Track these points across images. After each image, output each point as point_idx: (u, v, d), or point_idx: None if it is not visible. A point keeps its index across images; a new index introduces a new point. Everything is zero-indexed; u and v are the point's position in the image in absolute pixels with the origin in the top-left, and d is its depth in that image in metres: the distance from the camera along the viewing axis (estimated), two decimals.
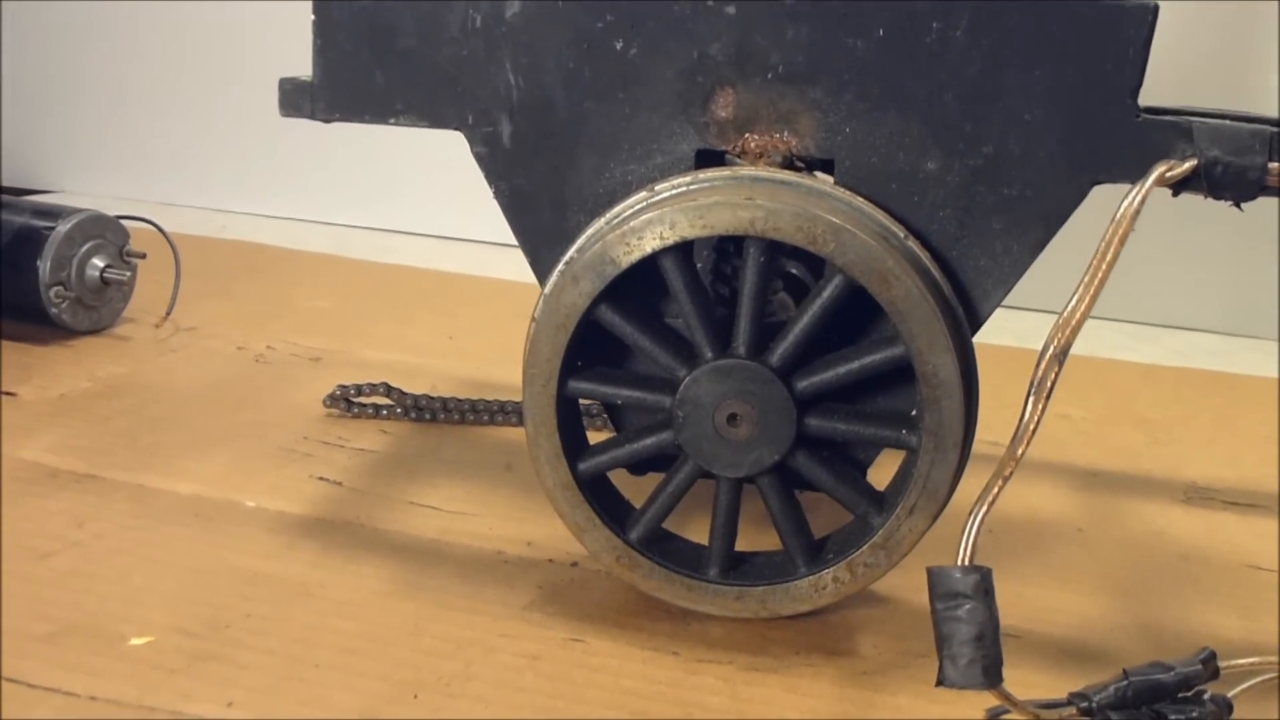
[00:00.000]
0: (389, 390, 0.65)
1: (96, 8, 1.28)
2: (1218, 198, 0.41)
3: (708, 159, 0.45)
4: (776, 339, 0.43)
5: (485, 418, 0.65)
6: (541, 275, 0.47)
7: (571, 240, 0.45)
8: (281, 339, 0.78)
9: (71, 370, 0.69)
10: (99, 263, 0.74)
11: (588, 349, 0.45)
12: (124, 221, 0.78)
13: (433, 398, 0.65)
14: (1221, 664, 0.41)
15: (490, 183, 0.47)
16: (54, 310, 0.72)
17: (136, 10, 1.27)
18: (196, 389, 0.68)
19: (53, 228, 0.72)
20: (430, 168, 1.19)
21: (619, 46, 0.44)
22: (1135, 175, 0.41)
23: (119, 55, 1.30)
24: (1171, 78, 0.99)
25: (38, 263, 0.71)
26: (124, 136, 1.32)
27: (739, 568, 0.46)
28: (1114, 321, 1.07)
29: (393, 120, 0.47)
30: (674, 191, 0.43)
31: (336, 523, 0.52)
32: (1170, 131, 0.41)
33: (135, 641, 0.42)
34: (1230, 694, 0.40)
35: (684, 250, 0.42)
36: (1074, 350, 1.03)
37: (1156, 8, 0.40)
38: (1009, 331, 0.75)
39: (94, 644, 0.41)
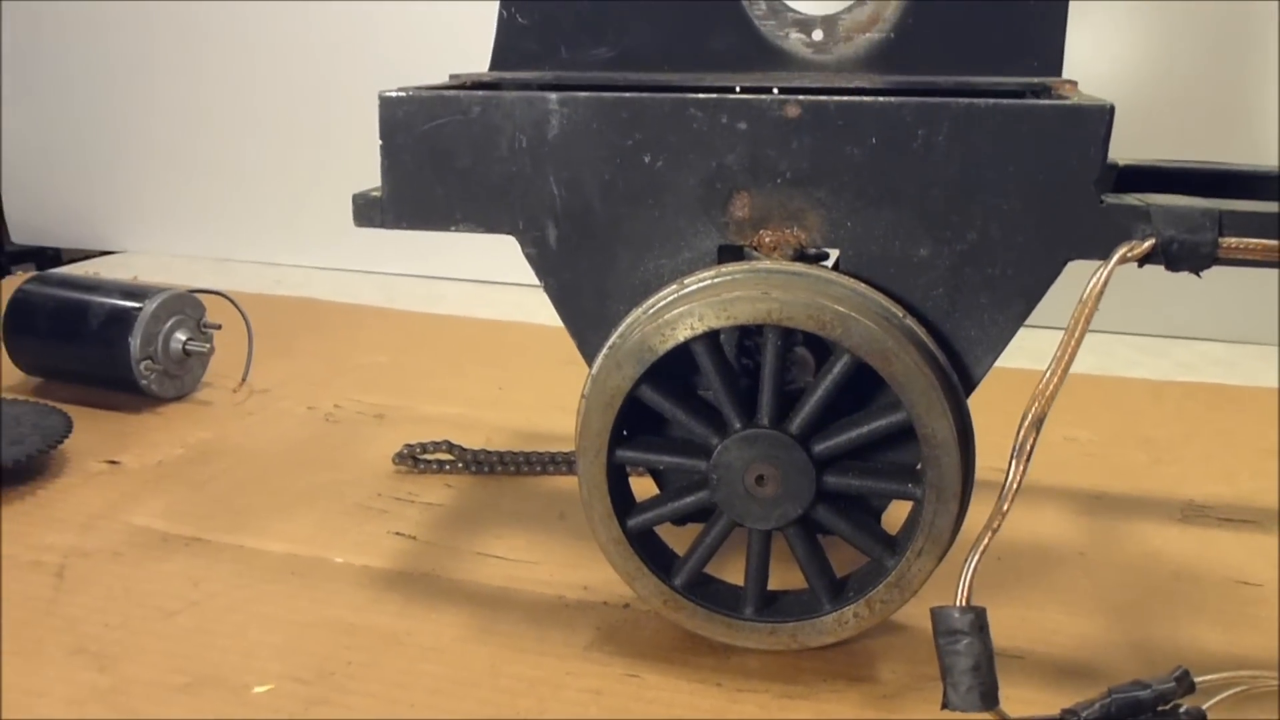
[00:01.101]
0: (450, 447, 0.72)
1: (139, 71, 1.37)
2: (1175, 270, 0.47)
3: (729, 253, 0.51)
4: (795, 409, 0.49)
5: (538, 468, 0.72)
6: (588, 356, 0.53)
7: (613, 326, 0.51)
8: (346, 397, 0.86)
9: (166, 438, 0.76)
10: (181, 336, 0.82)
11: (632, 417, 0.52)
12: (199, 294, 0.86)
13: (490, 452, 0.72)
14: (1198, 679, 0.47)
15: (540, 278, 0.54)
16: (144, 382, 0.80)
17: (178, 71, 1.35)
18: (277, 451, 0.75)
19: (140, 308, 0.80)
20: None
21: (647, 160, 0.50)
22: (1103, 252, 0.47)
23: (170, 121, 1.38)
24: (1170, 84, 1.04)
25: (129, 340, 0.79)
26: (180, 197, 1.41)
27: (771, 606, 0.53)
28: (1125, 335, 1.12)
29: (452, 228, 0.54)
30: (700, 285, 0.50)
31: (415, 575, 0.59)
32: (1130, 214, 0.47)
33: (258, 690, 0.49)
34: (1205, 706, 0.46)
35: (712, 337, 0.49)
36: (1086, 369, 1.08)
37: (1112, 108, 0.46)
38: (1025, 352, 0.80)
39: (224, 693, 0.48)
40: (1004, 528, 0.44)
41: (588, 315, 0.53)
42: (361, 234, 1.40)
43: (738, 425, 0.50)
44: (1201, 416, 0.87)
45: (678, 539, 0.54)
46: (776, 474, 0.49)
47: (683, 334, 0.48)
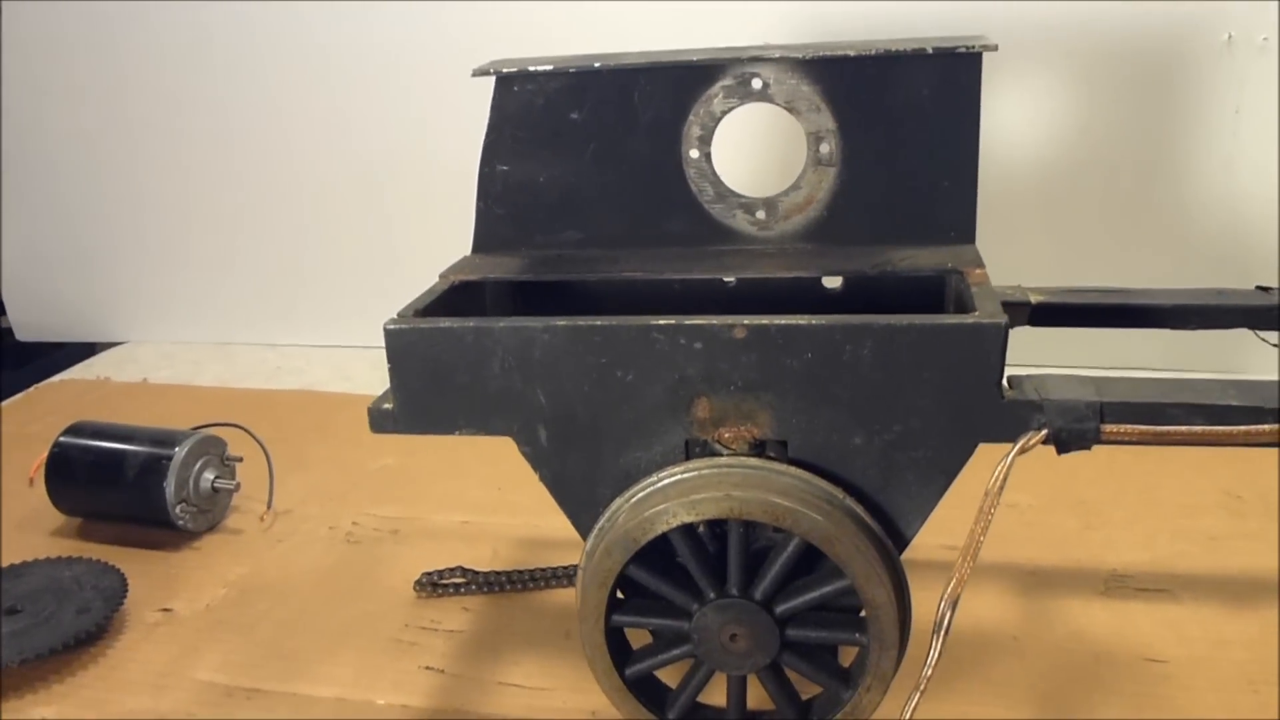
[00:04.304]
0: (464, 571, 0.82)
1: (128, 164, 1.43)
2: (1064, 453, 0.57)
3: (695, 444, 0.60)
4: (758, 577, 0.59)
5: (542, 584, 0.81)
6: (581, 531, 0.63)
7: (601, 508, 0.61)
8: (362, 511, 0.95)
9: (207, 577, 0.85)
10: (209, 475, 0.90)
11: (622, 582, 0.61)
12: (220, 427, 0.94)
13: (498, 573, 0.82)
14: None
15: (535, 469, 0.63)
16: (181, 522, 0.89)
17: (167, 163, 1.42)
18: (310, 582, 0.84)
19: (171, 455, 0.88)
20: None
21: (619, 375, 0.59)
22: (1008, 436, 0.56)
23: (161, 211, 1.45)
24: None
25: (164, 486, 0.87)
26: (176, 285, 1.48)
27: None
28: (1068, 369, 1.22)
29: (456, 432, 0.62)
30: (672, 480, 0.59)
31: (448, 710, 0.69)
32: (1027, 408, 0.56)
33: None
34: None
35: (686, 528, 0.58)
36: None
37: (1008, 324, 0.55)
38: None
39: None
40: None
41: (578, 499, 0.63)
42: (354, 312, 1.49)
43: (712, 595, 0.59)
44: (1128, 471, 0.96)
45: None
46: (747, 632, 0.59)
47: (660, 528, 0.58)
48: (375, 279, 1.40)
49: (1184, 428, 0.56)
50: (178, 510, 0.88)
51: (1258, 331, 0.72)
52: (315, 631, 0.78)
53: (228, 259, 1.44)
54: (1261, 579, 0.79)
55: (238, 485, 0.92)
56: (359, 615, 0.79)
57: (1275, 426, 0.55)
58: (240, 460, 0.94)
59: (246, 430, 0.96)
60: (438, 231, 1.35)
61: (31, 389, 1.30)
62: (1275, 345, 0.76)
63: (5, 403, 1.27)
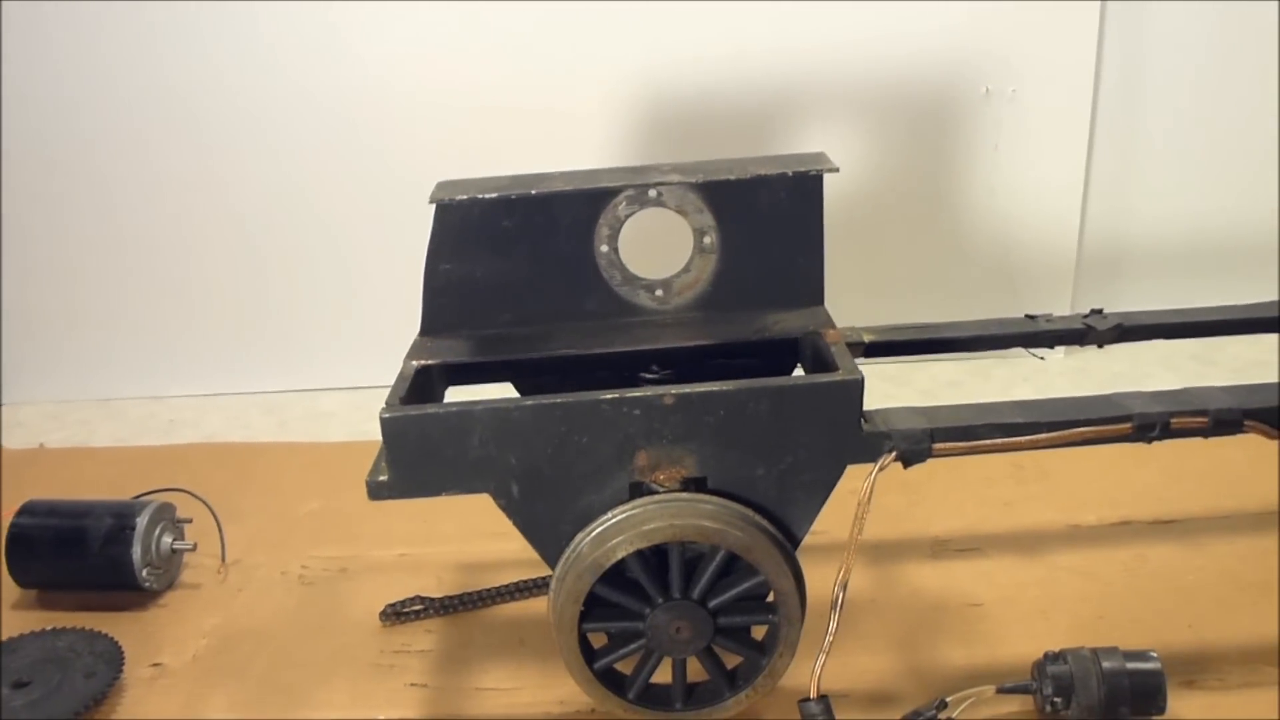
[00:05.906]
0: (422, 600, 0.96)
1: None
2: (908, 467, 0.78)
3: (638, 487, 0.77)
4: (694, 580, 0.77)
5: (490, 602, 0.97)
6: (549, 560, 0.79)
7: (565, 542, 0.77)
8: (307, 554, 1.06)
9: (185, 630, 0.95)
10: (167, 539, 1.00)
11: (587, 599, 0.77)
12: (169, 493, 1.04)
13: (451, 596, 0.96)
14: (948, 697, 0.79)
15: (509, 517, 0.78)
16: (147, 584, 0.98)
17: (31, 217, 1.44)
18: (281, 623, 0.96)
19: (134, 526, 0.97)
20: (338, 320, 1.46)
21: (576, 438, 0.75)
22: (869, 458, 0.77)
23: (26, 267, 1.47)
24: None
25: (131, 554, 0.96)
26: (51, 341, 1.50)
27: (692, 697, 0.81)
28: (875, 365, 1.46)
29: (443, 493, 0.77)
30: (624, 515, 0.76)
31: (441, 718, 0.83)
32: (881, 436, 0.77)
33: None
34: (954, 715, 0.78)
35: (639, 552, 0.75)
36: None
37: (863, 379, 0.75)
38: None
39: None
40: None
41: (546, 537, 0.78)
42: (240, 359, 1.56)
43: (660, 600, 0.77)
44: None
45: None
46: (687, 625, 0.77)
47: (620, 553, 0.75)
48: (258, 324, 1.47)
49: (988, 440, 0.78)
50: (144, 574, 0.97)
51: (1029, 350, 0.96)
52: (302, 665, 0.90)
53: (103, 313, 1.47)
54: (1042, 531, 1.05)
55: (194, 545, 1.02)
56: (336, 647, 0.92)
57: (1049, 435, 0.77)
58: (190, 521, 1.03)
59: (195, 495, 1.05)
60: (310, 274, 1.46)
61: None
62: (1041, 359, 1.01)
63: None
